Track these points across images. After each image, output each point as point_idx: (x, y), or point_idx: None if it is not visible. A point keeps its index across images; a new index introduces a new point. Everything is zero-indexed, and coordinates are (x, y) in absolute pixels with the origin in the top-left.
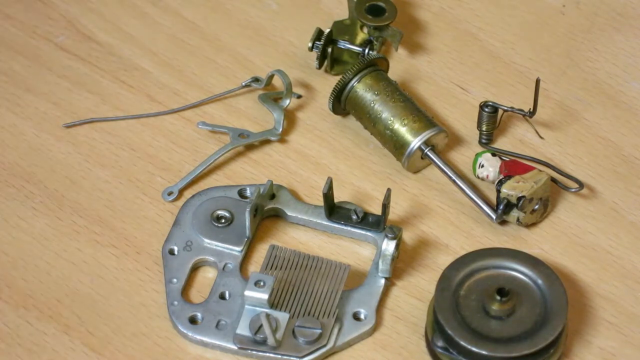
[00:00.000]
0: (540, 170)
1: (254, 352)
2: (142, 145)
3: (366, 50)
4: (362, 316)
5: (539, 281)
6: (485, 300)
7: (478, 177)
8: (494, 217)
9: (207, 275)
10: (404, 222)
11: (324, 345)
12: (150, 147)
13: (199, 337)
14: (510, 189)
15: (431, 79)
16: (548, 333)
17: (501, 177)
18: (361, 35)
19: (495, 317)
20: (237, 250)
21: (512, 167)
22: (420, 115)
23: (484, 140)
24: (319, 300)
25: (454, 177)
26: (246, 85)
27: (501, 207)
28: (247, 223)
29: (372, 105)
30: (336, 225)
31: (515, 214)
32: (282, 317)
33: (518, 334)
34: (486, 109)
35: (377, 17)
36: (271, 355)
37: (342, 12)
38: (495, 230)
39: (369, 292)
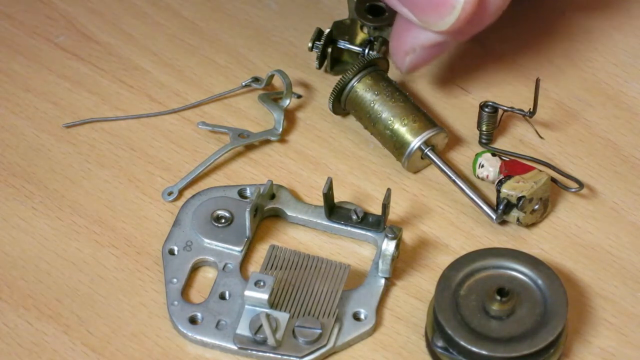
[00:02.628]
0: (540, 170)
1: (254, 352)
2: (142, 145)
3: (366, 50)
4: (362, 316)
5: (539, 281)
6: (485, 300)
7: (478, 177)
8: (494, 217)
9: (207, 275)
10: (404, 222)
11: (324, 345)
12: (150, 147)
13: (199, 337)
14: (510, 189)
15: (431, 79)
16: (548, 333)
17: (501, 177)
18: (361, 35)
19: (495, 317)
20: (237, 250)
21: (512, 167)
22: (420, 115)
23: (484, 140)
24: (319, 300)
25: (454, 177)
26: (246, 85)
27: (501, 207)
28: (247, 223)
29: (372, 105)
30: (336, 225)
31: (515, 214)
32: (282, 317)
33: (518, 334)
34: (486, 109)
35: (377, 17)
36: (271, 355)
37: (342, 12)
38: (495, 230)
39: (369, 292)
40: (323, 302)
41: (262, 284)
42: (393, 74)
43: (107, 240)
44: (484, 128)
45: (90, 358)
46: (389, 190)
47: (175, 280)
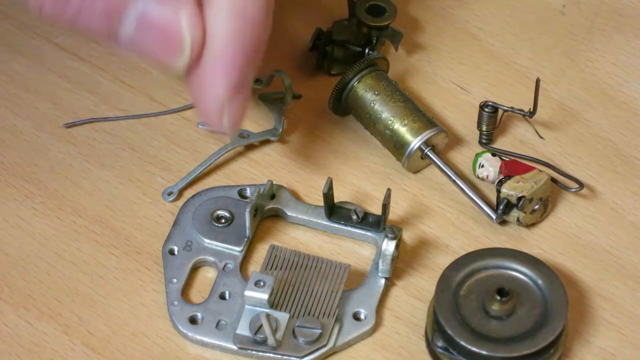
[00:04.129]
0: (540, 170)
1: (254, 352)
2: (142, 145)
3: (366, 50)
4: (362, 316)
5: (539, 281)
6: (485, 300)
7: (478, 177)
8: (494, 217)
9: (207, 275)
10: (404, 222)
11: (324, 346)
12: (150, 147)
13: (199, 337)
14: (510, 189)
15: (431, 79)
16: (548, 333)
17: (501, 177)
18: (361, 35)
19: (495, 317)
20: (237, 250)
21: (512, 167)
22: (420, 115)
23: (484, 140)
24: (319, 300)
25: (454, 177)
26: None
27: (501, 207)
28: (247, 223)
29: (372, 105)
30: (336, 225)
31: (515, 214)
32: (282, 317)
33: (518, 334)
34: (486, 109)
35: (377, 17)
36: (271, 355)
37: (342, 12)
38: (495, 230)
39: (369, 292)
40: (323, 302)
41: (262, 284)
42: (393, 74)
43: (107, 240)
44: (484, 128)
45: (90, 358)
46: (389, 190)
47: (175, 280)
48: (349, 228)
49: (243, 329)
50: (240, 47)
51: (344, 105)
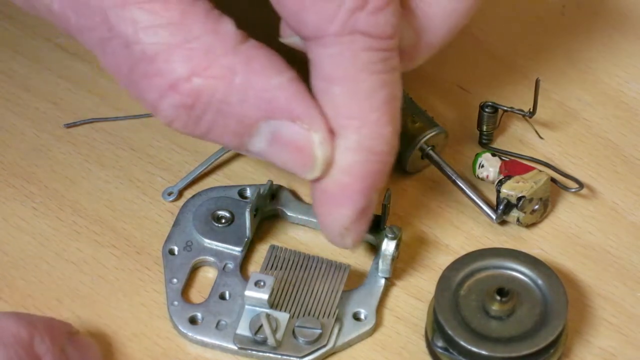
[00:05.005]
0: (540, 171)
1: (254, 352)
2: (142, 145)
3: None
4: (362, 316)
5: (539, 281)
6: (485, 300)
7: (478, 177)
8: (494, 217)
9: (207, 275)
10: (404, 222)
11: (324, 346)
12: (150, 147)
13: (199, 337)
14: (510, 189)
15: (431, 79)
16: (548, 333)
17: (501, 177)
18: None
19: (495, 317)
20: (237, 250)
21: (512, 167)
22: (420, 115)
23: (484, 141)
24: (319, 301)
25: (454, 177)
26: None
27: (501, 207)
28: (247, 223)
29: None
30: None
31: (515, 214)
32: (282, 317)
33: (518, 334)
34: (486, 109)
35: None
36: (271, 355)
37: None
38: (495, 230)
39: (369, 292)
40: (323, 302)
41: (262, 284)
42: None
43: (107, 240)
44: (484, 128)
45: None
46: (389, 190)
47: (175, 280)
48: None
49: (243, 329)
50: (367, 178)
51: None
